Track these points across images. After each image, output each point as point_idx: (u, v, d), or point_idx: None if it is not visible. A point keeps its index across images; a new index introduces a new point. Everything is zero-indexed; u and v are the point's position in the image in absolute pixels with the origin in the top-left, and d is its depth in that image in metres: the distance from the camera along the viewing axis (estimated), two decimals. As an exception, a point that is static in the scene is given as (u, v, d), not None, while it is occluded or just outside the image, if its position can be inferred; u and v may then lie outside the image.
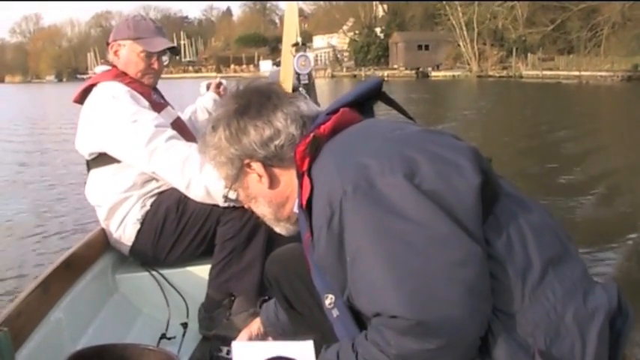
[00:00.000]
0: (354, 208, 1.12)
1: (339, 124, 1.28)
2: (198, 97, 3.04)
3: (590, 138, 11.46)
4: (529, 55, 45.94)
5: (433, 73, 50.63)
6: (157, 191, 2.36)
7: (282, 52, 2.96)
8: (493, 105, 21.45)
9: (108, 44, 2.53)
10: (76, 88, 2.53)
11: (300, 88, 2.78)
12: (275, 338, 1.72)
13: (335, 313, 1.23)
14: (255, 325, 1.76)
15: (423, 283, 1.06)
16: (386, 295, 1.07)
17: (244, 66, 73.66)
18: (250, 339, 1.73)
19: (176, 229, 2.31)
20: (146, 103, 2.38)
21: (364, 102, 1.38)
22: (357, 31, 63.82)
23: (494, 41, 49.16)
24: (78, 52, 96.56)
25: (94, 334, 2.09)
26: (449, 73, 49.28)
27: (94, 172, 2.42)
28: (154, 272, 2.40)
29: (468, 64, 49.71)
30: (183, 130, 2.50)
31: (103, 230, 2.43)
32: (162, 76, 2.64)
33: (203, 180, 2.16)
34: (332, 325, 1.26)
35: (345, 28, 65.95)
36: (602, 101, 23.87)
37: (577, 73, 37.80)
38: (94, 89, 2.41)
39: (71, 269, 2.15)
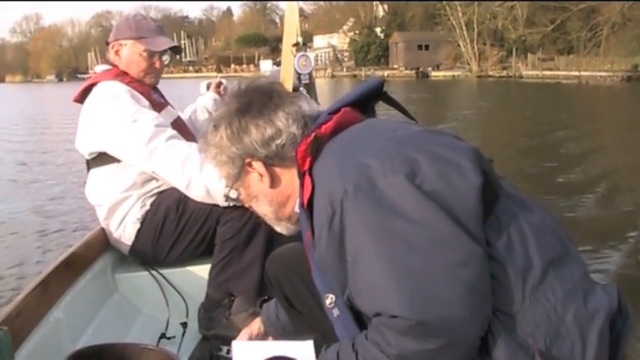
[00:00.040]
0: (355, 207, 1.12)
1: (341, 123, 1.28)
2: (198, 96, 3.04)
3: (589, 138, 11.47)
4: (529, 55, 45.96)
5: (433, 73, 50.63)
6: (156, 191, 2.36)
7: (282, 51, 2.95)
8: (493, 105, 21.46)
9: (107, 44, 2.52)
10: (77, 87, 2.52)
11: (301, 88, 2.77)
12: (275, 338, 1.71)
13: (335, 312, 1.24)
14: (256, 324, 1.76)
15: (424, 283, 1.06)
16: (386, 295, 1.07)
17: (245, 66, 73.61)
18: (250, 339, 1.73)
19: (176, 229, 2.31)
20: (146, 103, 2.38)
21: (366, 102, 1.38)
22: (357, 31, 63.84)
23: (494, 41, 49.19)
24: (78, 52, 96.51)
25: (93, 333, 2.09)
26: (449, 73, 49.28)
27: (93, 171, 2.42)
28: (153, 272, 2.40)
29: (468, 64, 49.72)
30: (183, 129, 2.50)
31: (102, 230, 2.43)
32: (163, 75, 2.64)
33: (203, 180, 2.16)
34: (332, 325, 1.26)
35: (345, 28, 65.97)
36: (601, 101, 23.87)
37: (577, 73, 37.81)
38: (94, 89, 2.41)
39: (71, 269, 2.15)
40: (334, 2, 69.79)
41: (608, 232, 5.26)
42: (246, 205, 1.47)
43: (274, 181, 1.36)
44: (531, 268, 1.13)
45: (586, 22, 42.01)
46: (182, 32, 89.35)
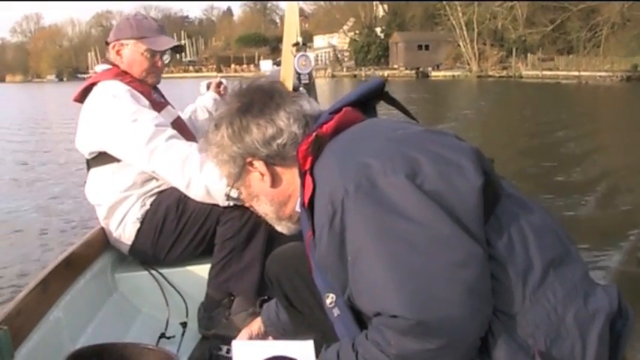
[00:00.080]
0: (356, 207, 1.12)
1: (342, 123, 1.28)
2: (198, 96, 3.04)
3: (589, 138, 11.47)
4: (529, 55, 45.97)
5: (433, 73, 50.65)
6: (156, 190, 2.35)
7: (282, 51, 2.95)
8: (493, 105, 21.47)
9: (107, 44, 2.52)
10: (77, 87, 2.52)
11: (301, 88, 2.77)
12: (275, 338, 1.71)
13: (336, 312, 1.23)
14: (256, 324, 1.76)
15: (424, 283, 1.06)
16: (387, 295, 1.07)
17: (245, 66, 73.54)
18: (251, 338, 1.73)
19: (176, 229, 2.31)
20: (146, 102, 2.37)
21: (367, 102, 1.38)
22: (357, 31, 63.83)
23: (494, 41, 49.20)
24: (79, 52, 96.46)
25: (93, 333, 2.09)
26: (449, 73, 49.29)
27: (93, 171, 2.41)
28: (153, 271, 2.40)
29: (468, 64, 49.72)
30: (183, 129, 2.50)
31: (102, 229, 2.43)
32: (163, 75, 2.63)
33: (203, 179, 2.16)
34: (332, 325, 1.26)
35: (345, 28, 65.96)
36: (601, 101, 23.87)
37: (576, 73, 37.84)
38: (95, 88, 2.41)
39: (71, 268, 2.15)
40: (334, 2, 69.89)
41: (607, 232, 5.28)
42: (247, 205, 1.46)
43: (275, 181, 1.36)
44: (532, 268, 1.13)
45: (586, 22, 42.03)
46: (182, 32, 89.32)
